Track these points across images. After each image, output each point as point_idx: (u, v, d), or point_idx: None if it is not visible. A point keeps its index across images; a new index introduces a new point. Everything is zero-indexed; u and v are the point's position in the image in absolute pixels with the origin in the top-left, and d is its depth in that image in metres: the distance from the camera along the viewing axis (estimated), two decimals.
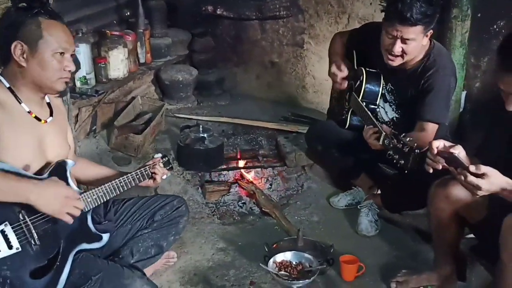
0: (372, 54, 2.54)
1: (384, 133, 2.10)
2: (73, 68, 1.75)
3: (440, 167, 1.75)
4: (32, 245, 1.63)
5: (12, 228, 1.59)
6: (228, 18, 3.92)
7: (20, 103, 1.71)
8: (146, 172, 1.97)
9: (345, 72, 2.64)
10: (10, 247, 1.58)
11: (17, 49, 1.64)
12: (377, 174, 2.83)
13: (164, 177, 2.02)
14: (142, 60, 3.60)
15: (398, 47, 2.29)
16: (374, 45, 2.45)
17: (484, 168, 1.62)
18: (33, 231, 1.63)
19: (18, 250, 1.59)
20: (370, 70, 2.54)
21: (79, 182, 1.99)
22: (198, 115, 3.68)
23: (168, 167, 2.06)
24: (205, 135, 3.07)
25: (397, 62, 2.37)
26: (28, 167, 1.69)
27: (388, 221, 2.72)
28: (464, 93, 3.30)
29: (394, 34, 2.28)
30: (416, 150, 1.90)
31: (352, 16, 3.61)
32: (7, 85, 1.69)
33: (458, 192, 1.90)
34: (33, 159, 1.72)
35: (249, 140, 3.46)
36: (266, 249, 2.35)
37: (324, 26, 3.74)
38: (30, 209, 1.61)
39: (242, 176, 3.12)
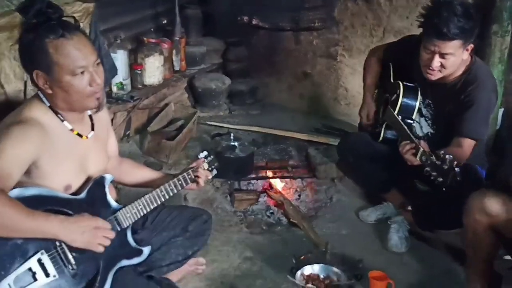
0: (410, 67, 2.50)
1: (422, 149, 2.07)
2: (99, 81, 1.63)
3: None
4: (70, 270, 1.61)
5: (49, 255, 1.57)
6: (263, 28, 3.95)
7: (62, 121, 1.68)
8: (189, 176, 1.94)
9: (371, 122, 2.78)
10: (47, 275, 1.56)
11: (38, 78, 1.59)
12: (409, 190, 2.78)
13: (210, 177, 2.02)
14: (176, 68, 3.66)
15: (436, 62, 2.26)
16: (413, 58, 2.42)
17: None
18: (70, 256, 1.60)
19: (55, 278, 1.57)
20: (408, 84, 2.51)
21: (123, 184, 2.00)
22: (229, 123, 3.71)
23: (214, 166, 2.06)
24: (236, 143, 3.09)
25: (436, 76, 2.33)
26: (69, 187, 1.69)
27: (419, 239, 2.66)
28: (501, 110, 3.23)
29: (432, 49, 2.25)
30: (456, 168, 1.88)
31: (387, 29, 3.58)
32: (48, 104, 1.66)
33: (495, 205, 1.86)
34: (74, 178, 1.72)
35: (279, 150, 3.46)
36: (294, 261, 2.33)
37: (359, 38, 3.72)
38: None
39: (271, 185, 3.11)
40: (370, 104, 2.80)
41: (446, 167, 1.90)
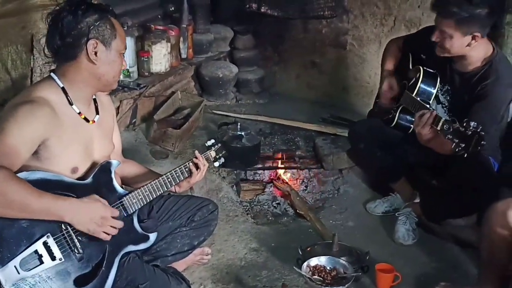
0: (430, 57, 2.48)
1: (443, 118, 2.06)
2: (126, 65, 1.82)
3: None
4: (76, 254, 1.63)
5: (55, 239, 1.58)
6: (271, 16, 3.90)
7: (71, 104, 1.69)
8: (190, 165, 1.94)
9: (395, 91, 2.67)
10: (53, 258, 1.58)
11: (92, 47, 1.65)
12: (417, 181, 2.75)
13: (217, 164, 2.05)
14: (183, 55, 3.63)
15: (435, 36, 2.30)
16: (433, 49, 2.39)
17: None
18: (75, 240, 1.62)
19: (61, 261, 1.59)
20: (428, 69, 2.49)
21: (125, 184, 1.98)
22: (236, 112, 3.68)
23: (221, 154, 2.06)
24: (243, 133, 3.06)
25: (440, 52, 2.35)
26: (76, 169, 1.70)
27: (426, 231, 2.63)
28: None
29: (436, 23, 2.30)
30: (481, 133, 1.89)
31: (398, 19, 3.53)
32: (61, 85, 1.68)
33: None
34: (81, 161, 1.72)
35: (286, 140, 3.43)
36: (300, 252, 2.31)
37: (369, 28, 3.67)
38: None
39: (277, 176, 3.09)
40: (391, 77, 2.72)
41: (470, 132, 1.91)
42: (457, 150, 1.95)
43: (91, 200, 1.63)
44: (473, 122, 1.93)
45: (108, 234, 1.65)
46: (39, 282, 1.57)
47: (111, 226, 1.65)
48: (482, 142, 1.88)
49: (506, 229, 1.86)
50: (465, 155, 1.94)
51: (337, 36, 3.82)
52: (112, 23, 1.69)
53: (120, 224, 1.68)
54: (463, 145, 1.93)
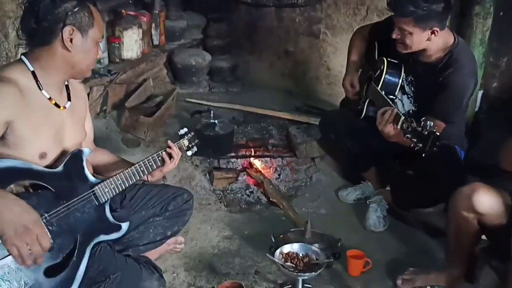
0: (394, 47, 2.49)
1: (403, 117, 2.08)
2: (101, 55, 1.79)
3: None
4: None
5: None
6: (245, 3, 3.87)
7: (41, 89, 1.65)
8: (163, 154, 1.91)
9: (356, 88, 2.72)
10: None
11: (68, 34, 1.61)
12: (387, 170, 2.80)
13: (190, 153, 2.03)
14: (156, 42, 3.57)
15: (395, 34, 2.35)
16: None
17: None
18: (46, 229, 1.56)
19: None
20: (392, 60, 2.52)
21: (97, 172, 1.94)
22: (209, 101, 3.65)
23: (194, 143, 2.04)
24: (216, 121, 3.04)
25: (401, 49, 2.40)
26: (44, 154, 1.65)
27: (397, 218, 2.68)
28: (480, 92, 3.25)
29: (394, 21, 2.35)
30: (436, 133, 1.90)
31: (371, 8, 3.55)
32: (31, 69, 1.64)
33: (486, 203, 1.86)
34: (50, 147, 1.68)
35: (259, 129, 3.43)
36: (273, 240, 2.32)
37: (342, 17, 3.69)
38: (42, 206, 1.57)
39: (250, 164, 3.09)
40: (353, 72, 2.79)
41: (426, 132, 1.92)
42: (416, 149, 1.97)
43: (25, 206, 1.51)
44: (429, 122, 1.94)
45: (19, 252, 1.48)
46: (8, 272, 1.52)
47: (37, 242, 1.49)
48: (437, 143, 1.90)
49: (471, 212, 1.90)
50: (423, 155, 1.95)
51: (310, 25, 3.82)
52: (90, 10, 1.65)
53: (47, 243, 1.53)
54: (421, 145, 1.94)
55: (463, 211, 1.92)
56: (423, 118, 1.98)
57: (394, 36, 2.36)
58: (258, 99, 3.76)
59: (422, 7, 2.23)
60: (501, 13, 3.07)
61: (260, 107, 3.60)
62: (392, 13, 2.35)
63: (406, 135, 2.00)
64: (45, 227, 1.56)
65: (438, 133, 1.91)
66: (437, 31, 2.30)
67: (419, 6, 2.23)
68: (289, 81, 4.02)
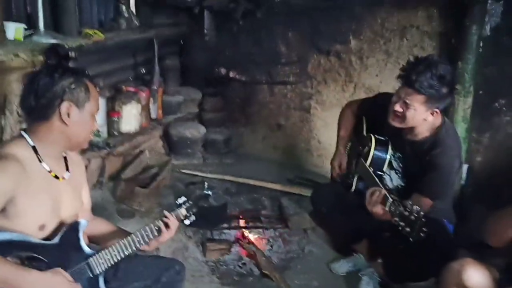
0: (383, 122, 2.57)
1: (391, 199, 2.11)
2: (97, 127, 1.85)
3: None
4: None
5: None
6: (239, 80, 4.06)
7: (40, 162, 1.69)
8: (160, 224, 1.91)
9: (343, 171, 2.82)
10: None
11: (65, 109, 1.67)
12: (380, 242, 2.82)
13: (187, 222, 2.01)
14: (153, 116, 3.70)
15: (399, 106, 2.35)
16: (386, 114, 2.48)
17: None
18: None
19: None
20: (379, 137, 2.60)
21: (94, 242, 1.96)
22: (203, 172, 3.73)
23: (192, 212, 2.02)
24: (210, 192, 3.08)
25: (396, 123, 2.41)
26: (44, 226, 1.69)
27: None
28: (465, 167, 3.33)
29: (400, 94, 2.35)
30: (423, 219, 1.92)
31: (358, 86, 3.73)
32: (32, 144, 1.69)
33: (476, 279, 1.88)
34: (49, 218, 1.71)
35: (252, 200, 3.48)
36: None
37: (331, 93, 3.86)
38: None
39: (243, 235, 3.12)
40: (342, 154, 2.88)
41: (413, 218, 1.94)
42: (403, 233, 1.99)
43: (54, 274, 1.60)
44: (415, 207, 1.96)
45: None
46: None
47: None
48: (424, 229, 1.91)
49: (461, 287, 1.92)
50: (410, 239, 1.97)
51: (301, 100, 4.00)
52: (87, 86, 1.71)
53: None
54: (408, 229, 1.96)
55: (453, 287, 1.94)
56: (409, 202, 2.01)
57: (397, 108, 2.35)
58: (251, 170, 3.85)
59: (437, 88, 2.27)
60: (480, 92, 3.23)
61: (253, 178, 3.68)
62: (404, 85, 2.32)
63: (394, 218, 2.03)
64: (74, 284, 1.65)
65: (424, 220, 1.92)
66: (437, 112, 2.36)
67: (434, 86, 2.26)
68: (281, 153, 4.14)
